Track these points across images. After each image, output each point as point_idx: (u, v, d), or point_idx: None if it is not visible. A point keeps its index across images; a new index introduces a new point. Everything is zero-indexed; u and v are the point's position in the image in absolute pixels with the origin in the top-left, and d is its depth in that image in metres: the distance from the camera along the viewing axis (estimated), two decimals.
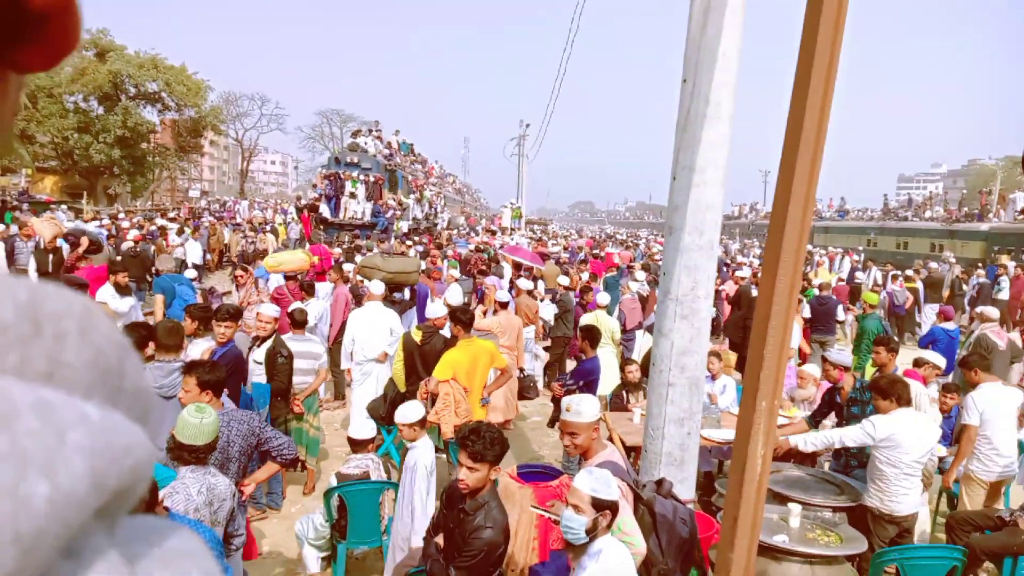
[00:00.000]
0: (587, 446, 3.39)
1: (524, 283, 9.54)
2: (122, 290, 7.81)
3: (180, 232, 17.71)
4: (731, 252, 25.36)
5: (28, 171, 31.12)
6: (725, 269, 15.41)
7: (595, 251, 20.05)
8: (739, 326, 9.55)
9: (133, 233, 15.50)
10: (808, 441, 4.70)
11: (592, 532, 2.68)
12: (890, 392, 4.47)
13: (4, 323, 0.17)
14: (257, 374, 5.54)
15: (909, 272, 15.60)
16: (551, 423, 6.65)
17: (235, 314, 5.34)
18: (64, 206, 24.12)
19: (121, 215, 21.96)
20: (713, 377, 6.40)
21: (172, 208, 31.74)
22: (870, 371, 6.71)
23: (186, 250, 16.01)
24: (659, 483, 3.53)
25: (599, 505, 2.69)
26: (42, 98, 32.35)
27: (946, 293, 15.16)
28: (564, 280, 10.89)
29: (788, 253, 2.35)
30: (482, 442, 3.07)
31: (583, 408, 3.39)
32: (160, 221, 20.14)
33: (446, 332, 6.20)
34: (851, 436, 4.50)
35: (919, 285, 14.53)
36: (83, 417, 0.17)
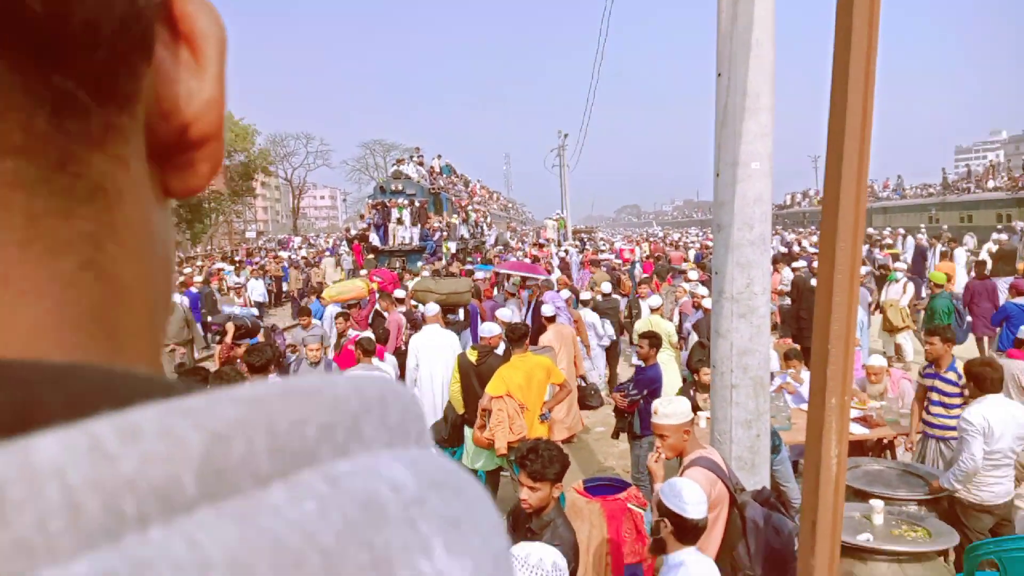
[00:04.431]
0: (680, 447, 3.38)
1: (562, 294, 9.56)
2: None
3: (238, 272, 18.27)
4: (788, 243, 24.68)
5: None
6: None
7: (655, 256, 19.78)
8: (795, 317, 9.24)
9: (198, 279, 16.12)
10: (953, 481, 4.24)
11: (656, 534, 2.65)
12: (983, 377, 4.25)
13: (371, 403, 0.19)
14: None
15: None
16: (615, 434, 6.53)
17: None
18: None
19: (185, 264, 22.82)
20: (794, 379, 6.20)
21: (232, 250, 32.85)
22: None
23: (249, 288, 16.49)
24: (759, 491, 3.47)
25: (661, 509, 2.66)
26: None
27: (1020, 265, 14.42)
28: (606, 287, 10.73)
29: (845, 240, 2.26)
30: (541, 460, 3.03)
31: (672, 409, 3.38)
32: (219, 264, 20.84)
33: (501, 350, 6.18)
34: (972, 448, 4.08)
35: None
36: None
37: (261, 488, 0.15)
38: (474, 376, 5.96)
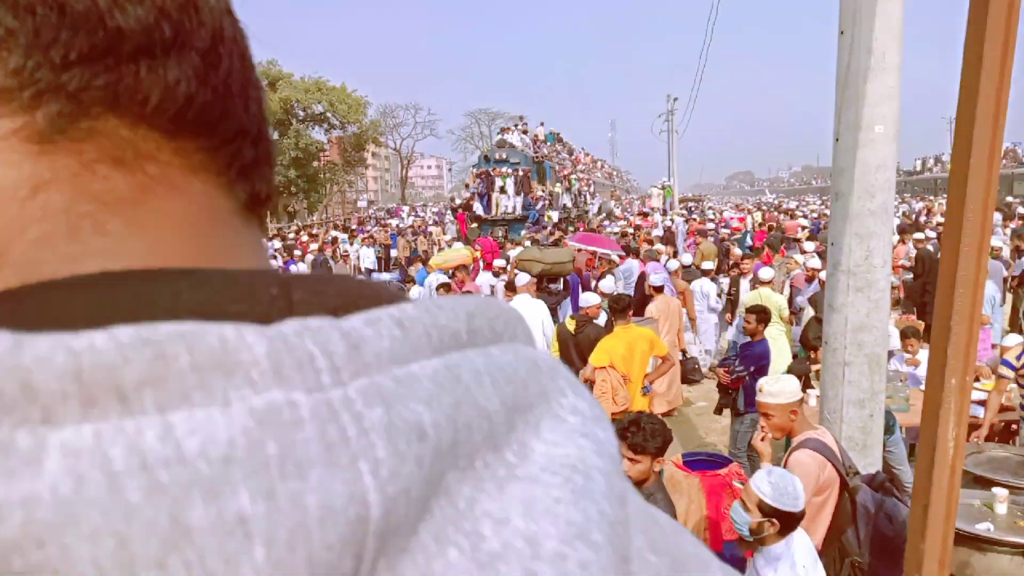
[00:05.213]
0: (788, 427, 3.29)
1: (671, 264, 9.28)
2: None
3: (351, 240, 19.08)
4: (915, 211, 22.95)
5: None
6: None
7: (768, 224, 18.91)
8: (919, 292, 8.66)
9: (313, 246, 17.00)
10: None
11: (758, 535, 2.53)
12: None
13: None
14: None
15: None
16: (718, 410, 6.39)
17: None
18: None
19: (303, 232, 24.06)
20: (910, 362, 5.85)
21: (344, 219, 34.31)
22: None
23: (360, 256, 17.28)
24: (873, 476, 3.32)
25: (765, 509, 2.52)
26: None
27: None
28: (708, 264, 10.31)
29: (974, 210, 2.09)
30: (642, 433, 3.02)
31: (778, 388, 3.31)
32: (333, 232, 21.84)
33: (601, 321, 6.16)
34: None
35: None
36: None
37: (489, 346, 0.23)
38: (572, 346, 6.00)
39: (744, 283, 8.44)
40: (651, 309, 7.50)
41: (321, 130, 40.42)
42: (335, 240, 18.74)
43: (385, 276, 10.37)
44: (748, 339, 5.86)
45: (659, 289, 7.65)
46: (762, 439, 3.35)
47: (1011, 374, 4.83)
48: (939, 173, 45.15)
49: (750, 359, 5.63)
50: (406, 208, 41.32)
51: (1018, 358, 4.83)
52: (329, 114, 39.08)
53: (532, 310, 7.02)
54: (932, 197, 32.77)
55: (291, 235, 22.47)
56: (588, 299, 6.44)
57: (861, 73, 3.65)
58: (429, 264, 10.30)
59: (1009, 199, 24.25)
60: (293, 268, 9.91)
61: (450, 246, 13.76)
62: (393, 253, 20.79)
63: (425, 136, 62.32)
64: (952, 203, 2.11)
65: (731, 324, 8.47)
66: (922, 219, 19.31)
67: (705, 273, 9.72)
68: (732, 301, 8.65)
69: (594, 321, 6.16)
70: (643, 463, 3.05)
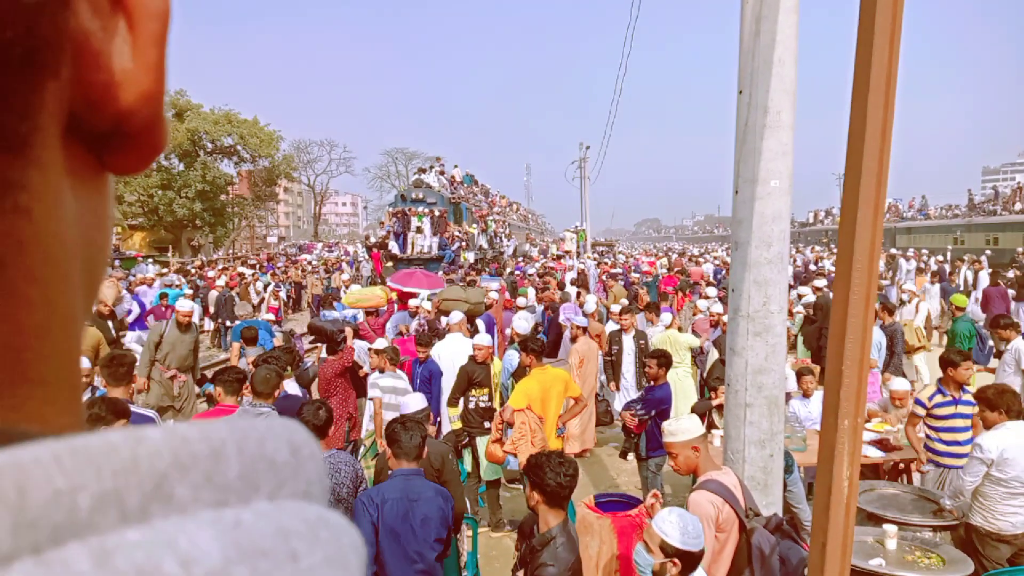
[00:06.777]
0: (692, 464, 3.33)
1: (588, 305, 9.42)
2: None
3: (254, 278, 18.46)
4: (807, 261, 24.44)
5: (119, 229, 33.23)
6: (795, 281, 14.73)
7: (676, 269, 19.61)
8: (816, 337, 9.20)
9: (220, 281, 16.34)
10: (946, 498, 4.27)
11: None
12: (998, 403, 4.16)
13: (284, 459, 0.20)
14: None
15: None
16: (623, 455, 6.50)
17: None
18: (151, 260, 25.64)
19: (207, 267, 23.10)
20: (806, 395, 6.11)
21: (254, 253, 33.22)
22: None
23: (267, 295, 16.70)
24: (770, 517, 3.39)
25: (668, 550, 2.56)
26: None
27: None
28: (616, 307, 10.37)
29: (861, 261, 2.24)
30: (543, 473, 3.00)
31: (677, 427, 3.37)
32: (240, 268, 21.09)
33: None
34: (971, 473, 4.08)
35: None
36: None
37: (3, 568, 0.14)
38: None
39: (627, 338, 7.85)
40: (576, 349, 7.59)
41: (231, 163, 39.30)
42: (242, 276, 18.09)
43: (269, 317, 9.98)
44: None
45: (585, 329, 7.76)
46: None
47: (922, 411, 5.12)
48: (830, 224, 48.35)
49: (651, 403, 5.72)
50: (319, 244, 40.45)
51: (930, 398, 5.12)
52: (239, 147, 38.09)
53: (465, 348, 6.90)
54: (820, 247, 34.99)
55: (193, 269, 21.51)
56: (480, 339, 6.42)
57: (758, 131, 3.87)
58: (341, 303, 10.07)
59: (893, 251, 26.20)
60: (197, 304, 9.40)
61: (347, 287, 13.34)
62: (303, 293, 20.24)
63: (340, 173, 61.88)
64: (841, 258, 2.25)
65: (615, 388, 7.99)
66: (811, 267, 20.58)
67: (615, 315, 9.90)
68: (614, 363, 7.94)
69: (483, 364, 6.24)
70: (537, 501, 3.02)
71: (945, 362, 5.14)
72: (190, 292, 13.42)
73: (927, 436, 5.14)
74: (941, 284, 14.83)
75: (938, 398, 5.08)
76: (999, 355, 9.53)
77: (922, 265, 19.80)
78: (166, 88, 0.24)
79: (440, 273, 18.06)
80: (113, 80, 0.22)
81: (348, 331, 6.76)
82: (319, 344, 7.65)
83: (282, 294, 17.25)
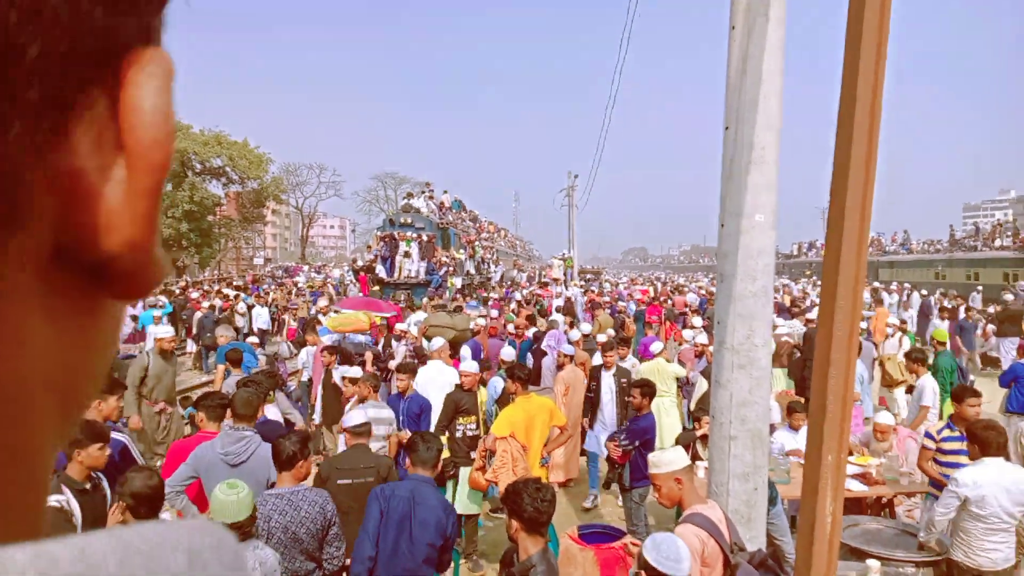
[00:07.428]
0: (675, 497, 3.34)
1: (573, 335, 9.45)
2: None
3: (237, 299, 18.34)
4: (793, 294, 24.61)
5: None
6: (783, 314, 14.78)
7: (659, 298, 19.73)
8: (801, 369, 9.26)
9: (206, 304, 16.21)
10: (921, 531, 4.35)
11: None
12: (980, 438, 4.19)
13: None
14: None
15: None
16: (607, 485, 6.45)
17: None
18: None
19: (191, 288, 22.93)
20: (794, 428, 6.11)
21: (237, 276, 33.02)
22: (949, 410, 6.34)
23: (252, 316, 16.54)
24: (754, 553, 3.38)
25: (644, 566, 2.59)
26: None
27: None
28: (603, 337, 10.18)
29: (844, 299, 2.27)
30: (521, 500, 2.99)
31: (660, 458, 3.39)
32: (226, 290, 20.94)
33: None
34: (944, 505, 4.13)
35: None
36: None
37: None
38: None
39: (606, 375, 7.29)
40: (562, 377, 7.57)
41: (219, 184, 39.21)
42: (225, 296, 17.96)
43: (253, 340, 9.89)
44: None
45: (570, 357, 7.75)
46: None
47: (933, 445, 5.16)
48: (814, 257, 48.91)
49: (635, 433, 5.69)
50: (306, 267, 40.35)
51: (939, 432, 5.17)
52: (228, 168, 38.05)
53: (447, 375, 6.86)
54: (805, 280, 35.34)
55: (177, 290, 21.35)
56: (467, 367, 6.36)
57: (743, 166, 3.93)
58: (328, 323, 10.00)
59: (876, 284, 26.49)
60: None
61: (325, 315, 13.31)
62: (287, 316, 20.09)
63: (329, 196, 61.63)
64: (825, 294, 2.28)
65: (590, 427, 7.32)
66: (803, 300, 20.70)
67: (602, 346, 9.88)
68: (593, 400, 7.31)
69: (469, 391, 6.19)
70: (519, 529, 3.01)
71: (956, 398, 5.32)
72: (158, 314, 13.19)
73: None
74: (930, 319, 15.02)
75: (947, 432, 5.16)
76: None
77: (904, 299, 20.24)
78: (156, 238, 0.23)
79: (426, 299, 18.06)
80: (98, 224, 0.21)
81: (368, 355, 6.72)
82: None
83: (265, 316, 17.10)
